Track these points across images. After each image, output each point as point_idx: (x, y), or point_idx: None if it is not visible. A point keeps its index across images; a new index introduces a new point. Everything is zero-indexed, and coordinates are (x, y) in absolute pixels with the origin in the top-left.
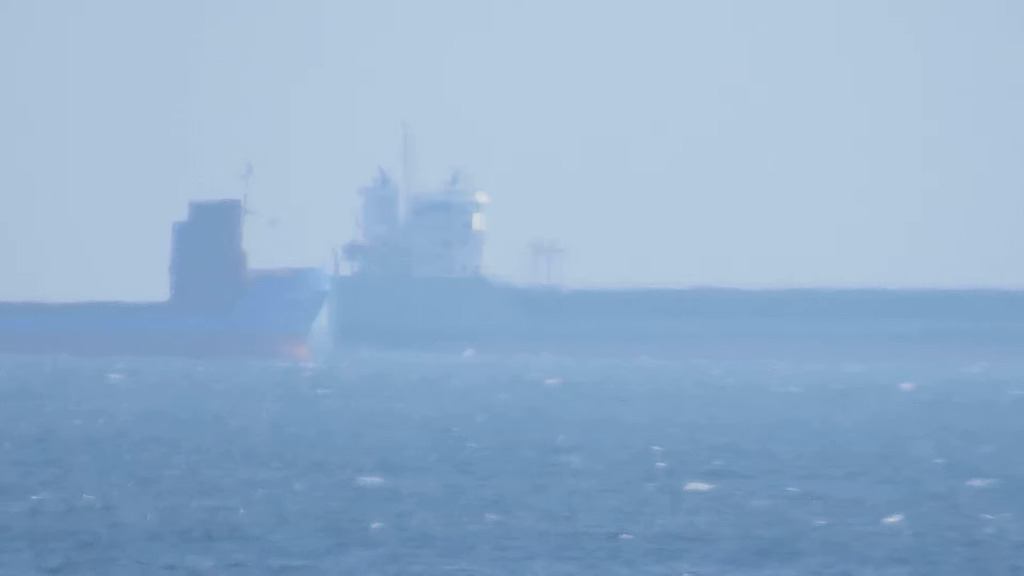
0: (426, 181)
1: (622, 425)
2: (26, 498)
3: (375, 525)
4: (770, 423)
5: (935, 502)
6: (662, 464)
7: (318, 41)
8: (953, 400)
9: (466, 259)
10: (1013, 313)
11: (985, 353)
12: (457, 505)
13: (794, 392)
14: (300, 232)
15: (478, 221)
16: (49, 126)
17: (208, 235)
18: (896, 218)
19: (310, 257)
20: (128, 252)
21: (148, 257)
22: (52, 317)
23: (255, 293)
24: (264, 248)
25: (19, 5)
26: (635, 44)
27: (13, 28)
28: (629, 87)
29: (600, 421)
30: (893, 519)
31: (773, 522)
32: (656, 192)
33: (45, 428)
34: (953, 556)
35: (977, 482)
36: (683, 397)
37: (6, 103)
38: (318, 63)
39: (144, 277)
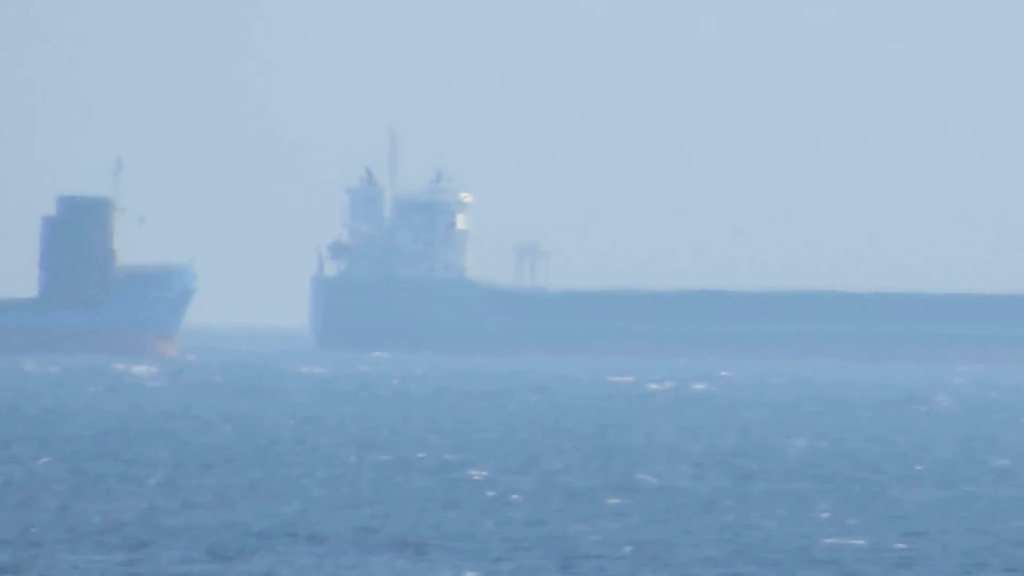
0: (409, 181)
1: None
2: None
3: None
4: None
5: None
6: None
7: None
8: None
9: (450, 259)
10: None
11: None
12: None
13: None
14: (170, 229)
15: (462, 221)
16: None
17: (77, 231)
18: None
19: (180, 255)
20: None
21: (18, 252)
22: None
23: (124, 290)
24: (133, 246)
25: None
26: (621, 46)
27: None
28: (613, 87)
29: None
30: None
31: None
32: (642, 193)
33: None
34: None
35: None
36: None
37: None
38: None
39: (14, 272)
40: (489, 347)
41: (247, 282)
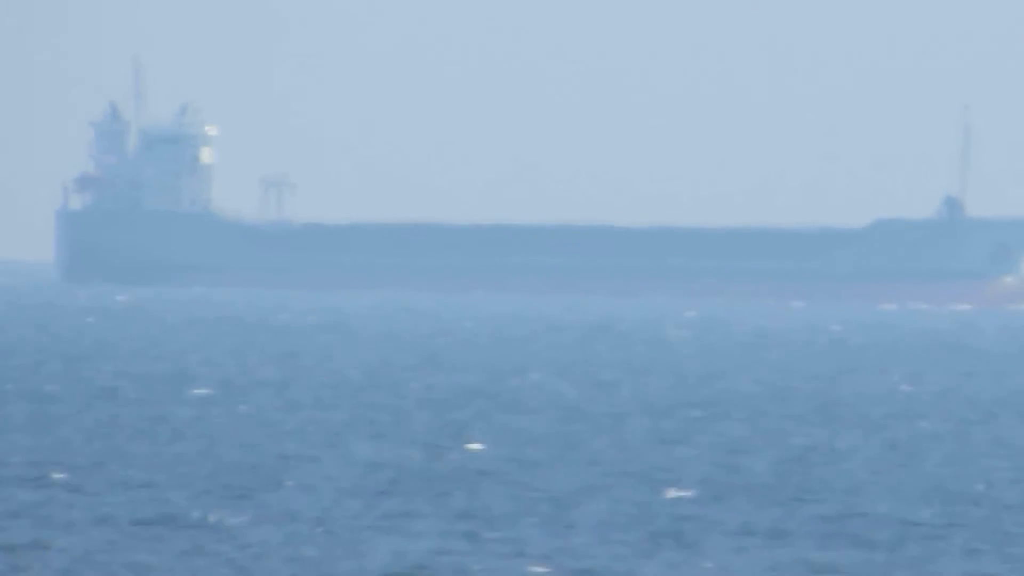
0: (156, 114)
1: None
2: None
3: None
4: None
5: None
6: None
7: None
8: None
9: (195, 193)
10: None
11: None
12: None
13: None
14: None
15: (207, 154)
16: None
17: None
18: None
19: None
20: None
21: None
22: None
23: None
24: None
25: None
26: None
27: None
28: (359, 15)
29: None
30: None
31: None
32: (387, 124)
33: None
34: None
35: None
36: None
37: None
38: None
39: None
40: (234, 280)
41: None
